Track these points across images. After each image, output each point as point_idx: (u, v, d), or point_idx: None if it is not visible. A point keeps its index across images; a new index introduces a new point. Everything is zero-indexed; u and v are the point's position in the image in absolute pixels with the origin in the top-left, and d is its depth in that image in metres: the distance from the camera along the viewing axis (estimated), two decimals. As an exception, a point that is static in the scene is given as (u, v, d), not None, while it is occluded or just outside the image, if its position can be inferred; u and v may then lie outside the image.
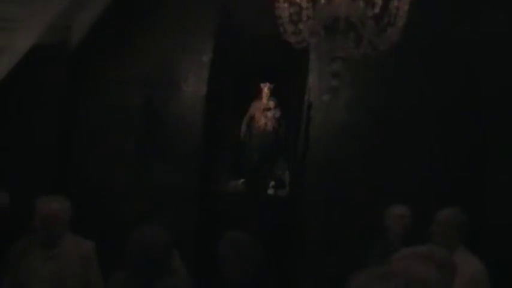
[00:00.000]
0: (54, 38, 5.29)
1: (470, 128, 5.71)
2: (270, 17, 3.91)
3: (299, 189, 6.77)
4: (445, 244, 3.60)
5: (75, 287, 3.64)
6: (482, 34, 5.52)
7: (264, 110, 9.09)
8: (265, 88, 9.04)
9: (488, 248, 4.88)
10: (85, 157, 5.91)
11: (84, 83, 5.92)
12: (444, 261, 2.27)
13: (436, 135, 5.68)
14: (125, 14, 5.93)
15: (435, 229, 3.97)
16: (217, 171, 7.92)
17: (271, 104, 9.10)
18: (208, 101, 5.95)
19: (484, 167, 5.77)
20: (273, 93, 9.08)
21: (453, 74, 5.67)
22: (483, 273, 3.87)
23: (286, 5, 3.74)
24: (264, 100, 9.10)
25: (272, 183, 8.97)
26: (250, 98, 9.19)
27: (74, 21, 5.63)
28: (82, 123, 5.96)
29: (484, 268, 3.86)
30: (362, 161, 5.74)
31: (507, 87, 5.47)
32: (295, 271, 5.96)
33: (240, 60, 7.68)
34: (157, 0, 6.06)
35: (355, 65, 4.85)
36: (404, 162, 5.66)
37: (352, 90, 5.83)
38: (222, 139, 8.00)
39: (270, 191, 8.94)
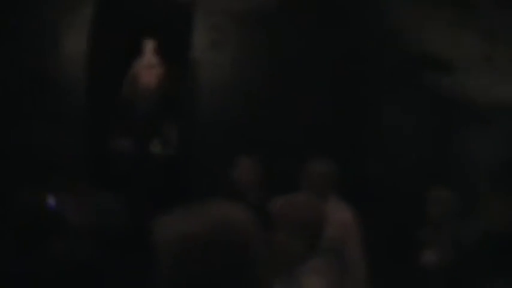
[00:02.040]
0: None
1: (353, 82, 5.96)
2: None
3: (188, 148, 6.75)
4: (316, 193, 3.82)
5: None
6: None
7: (147, 67, 8.85)
8: (149, 44, 8.79)
9: (363, 198, 5.18)
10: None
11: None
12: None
13: (322, 90, 5.88)
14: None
15: (307, 179, 4.16)
16: (103, 131, 7.70)
17: (155, 60, 8.88)
18: (90, 57, 5.74)
19: (364, 119, 6.07)
20: (157, 50, 8.85)
21: (336, 29, 5.86)
22: (354, 221, 4.15)
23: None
24: (147, 56, 8.86)
25: (159, 142, 8.85)
26: (134, 54, 8.91)
27: None
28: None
29: (354, 216, 4.14)
30: (249, 118, 5.82)
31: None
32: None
33: (123, 15, 7.42)
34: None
35: (240, 21, 4.86)
36: (291, 116, 5.81)
37: (238, 47, 5.85)
38: (106, 97, 7.74)
39: (158, 150, 8.81)
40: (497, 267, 2.64)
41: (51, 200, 2.98)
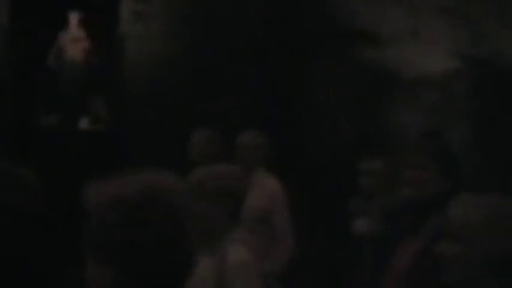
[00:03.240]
0: None
1: (282, 54, 5.99)
2: None
3: (116, 123, 6.64)
4: (245, 165, 3.86)
5: None
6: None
7: (73, 40, 8.59)
8: (74, 17, 8.53)
9: (295, 170, 5.26)
10: None
11: None
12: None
13: (252, 62, 5.89)
14: None
15: (237, 151, 4.22)
16: (29, 105, 7.48)
17: (81, 34, 8.63)
18: (12, 30, 5.52)
19: (296, 91, 6.13)
20: (83, 23, 8.60)
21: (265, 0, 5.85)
22: (281, 191, 4.26)
23: None
24: (73, 30, 8.60)
25: (87, 117, 8.66)
26: (59, 27, 8.64)
27: None
28: None
29: (281, 188, 4.25)
30: (179, 91, 5.77)
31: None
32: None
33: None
34: None
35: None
36: (220, 89, 5.80)
37: (165, 20, 5.76)
38: (31, 71, 7.51)
39: (86, 126, 8.63)
40: (415, 231, 2.76)
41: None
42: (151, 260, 1.37)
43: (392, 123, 6.48)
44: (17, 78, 5.75)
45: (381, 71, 6.44)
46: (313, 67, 6.26)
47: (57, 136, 7.78)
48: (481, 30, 5.59)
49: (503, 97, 5.98)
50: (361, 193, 4.70)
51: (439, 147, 3.05)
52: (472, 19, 5.55)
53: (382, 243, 3.79)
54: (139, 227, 1.36)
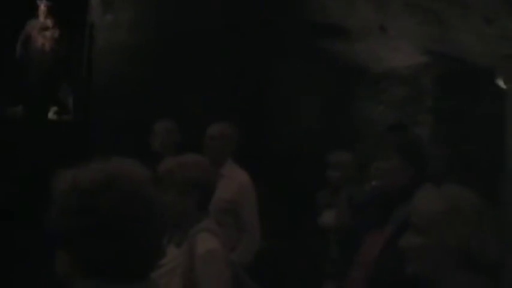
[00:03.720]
0: None
1: (251, 45, 5.99)
2: None
3: (84, 113, 6.58)
4: (214, 157, 3.87)
5: None
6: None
7: (41, 29, 8.46)
8: (42, 5, 8.40)
9: (264, 161, 5.29)
10: None
11: None
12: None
13: (220, 52, 5.88)
14: None
15: (206, 142, 4.22)
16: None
17: (49, 22, 8.50)
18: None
19: (265, 83, 6.16)
20: (51, 11, 8.48)
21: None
22: (249, 183, 4.30)
23: None
24: (41, 18, 8.47)
25: (54, 108, 8.55)
26: (28, 16, 8.50)
27: None
28: None
29: (249, 179, 4.29)
30: (146, 82, 5.75)
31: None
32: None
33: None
34: None
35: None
36: (188, 81, 5.79)
37: (135, 10, 5.72)
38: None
39: (53, 116, 8.53)
40: (382, 222, 2.78)
41: None
42: (106, 246, 1.38)
43: (360, 117, 6.56)
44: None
45: (349, 65, 6.50)
46: (282, 60, 6.29)
47: (23, 127, 7.66)
48: (447, 26, 5.67)
49: (468, 92, 6.09)
50: (329, 186, 4.77)
51: (405, 140, 3.06)
52: (438, 15, 5.63)
53: (349, 235, 3.85)
54: (93, 214, 1.37)
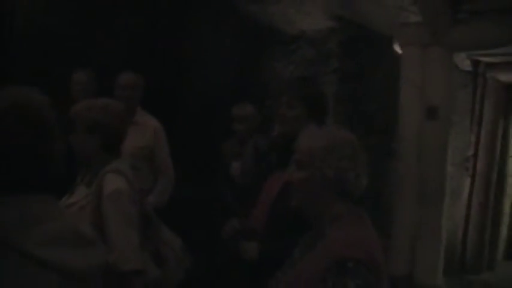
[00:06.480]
0: None
1: (171, 8, 6.02)
2: None
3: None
4: (125, 105, 4.05)
5: None
6: None
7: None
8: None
9: (175, 112, 5.34)
10: None
11: None
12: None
13: (136, 10, 5.89)
14: None
15: (116, 92, 4.42)
16: None
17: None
18: None
19: (179, 39, 6.18)
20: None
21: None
22: (161, 128, 4.56)
23: None
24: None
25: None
26: None
27: None
28: None
29: (160, 125, 4.55)
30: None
31: None
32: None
33: None
34: None
35: None
36: (100, 34, 5.82)
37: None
38: None
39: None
40: (282, 165, 2.83)
41: None
42: (15, 169, 1.47)
43: (271, 75, 6.71)
44: None
45: (263, 26, 6.65)
46: (197, 18, 6.33)
47: None
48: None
49: (369, 55, 6.40)
50: (235, 137, 4.97)
51: (309, 91, 3.21)
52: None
53: (253, 179, 4.03)
54: (8, 137, 1.45)
